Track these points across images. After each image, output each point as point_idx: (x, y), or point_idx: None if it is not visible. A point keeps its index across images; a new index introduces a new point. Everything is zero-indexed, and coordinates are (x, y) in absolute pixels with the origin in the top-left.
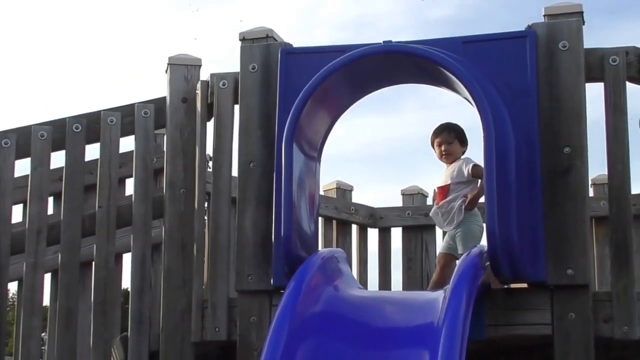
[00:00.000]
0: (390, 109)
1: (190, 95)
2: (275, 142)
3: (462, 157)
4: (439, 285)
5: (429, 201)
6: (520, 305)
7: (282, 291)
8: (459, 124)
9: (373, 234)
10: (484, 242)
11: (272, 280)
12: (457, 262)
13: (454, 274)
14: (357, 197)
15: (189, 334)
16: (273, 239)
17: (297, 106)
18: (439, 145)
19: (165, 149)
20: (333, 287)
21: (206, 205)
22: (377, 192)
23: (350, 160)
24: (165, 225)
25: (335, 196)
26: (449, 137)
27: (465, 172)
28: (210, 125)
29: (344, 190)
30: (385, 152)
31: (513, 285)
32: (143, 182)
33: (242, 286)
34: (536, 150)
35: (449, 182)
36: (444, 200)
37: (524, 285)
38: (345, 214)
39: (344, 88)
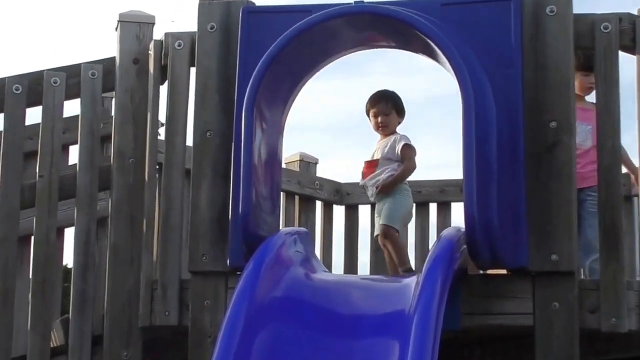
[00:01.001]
0: (359, 73)
1: (143, 56)
2: (234, 110)
3: (398, 130)
4: (392, 264)
5: None
6: (499, 292)
7: (239, 273)
8: (395, 91)
9: (339, 212)
10: (457, 224)
11: (228, 261)
12: (432, 245)
13: (427, 257)
14: (322, 171)
15: (136, 317)
16: (230, 216)
17: (260, 70)
18: (375, 116)
19: (113, 115)
20: (295, 269)
21: (158, 177)
22: (344, 165)
23: (315, 130)
24: (112, 198)
25: (298, 169)
26: (386, 108)
27: (397, 150)
28: (163, 90)
29: (307, 163)
30: (354, 121)
31: (491, 271)
32: (89, 150)
33: (195, 266)
34: (519, 124)
35: (378, 156)
36: (371, 175)
37: (504, 271)
38: (309, 190)
39: (311, 51)
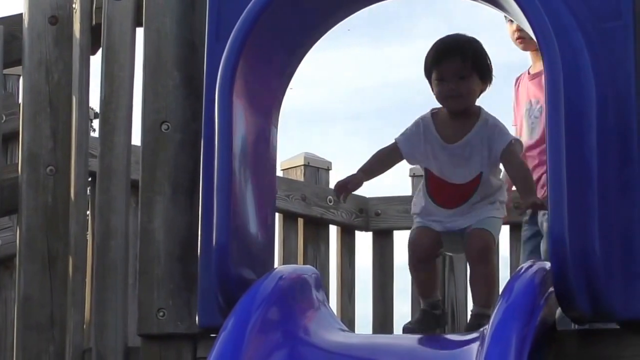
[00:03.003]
0: (390, 36)
1: (64, 13)
2: (203, 92)
3: (480, 107)
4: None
5: None
6: (605, 357)
7: (213, 336)
8: (476, 39)
9: (364, 240)
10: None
11: (197, 319)
12: (503, 288)
13: (496, 308)
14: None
15: None
16: (199, 251)
17: (240, 34)
18: (441, 80)
19: (20, 100)
20: (298, 329)
21: (90, 193)
22: None
23: (326, 121)
24: (20, 227)
25: (302, 178)
26: (462, 67)
27: (499, 148)
28: (96, 62)
29: (316, 170)
30: (382, 106)
31: (593, 326)
32: None
33: (148, 327)
34: (632, 107)
35: (476, 173)
36: (462, 205)
37: (612, 325)
38: (318, 208)
39: (311, 7)
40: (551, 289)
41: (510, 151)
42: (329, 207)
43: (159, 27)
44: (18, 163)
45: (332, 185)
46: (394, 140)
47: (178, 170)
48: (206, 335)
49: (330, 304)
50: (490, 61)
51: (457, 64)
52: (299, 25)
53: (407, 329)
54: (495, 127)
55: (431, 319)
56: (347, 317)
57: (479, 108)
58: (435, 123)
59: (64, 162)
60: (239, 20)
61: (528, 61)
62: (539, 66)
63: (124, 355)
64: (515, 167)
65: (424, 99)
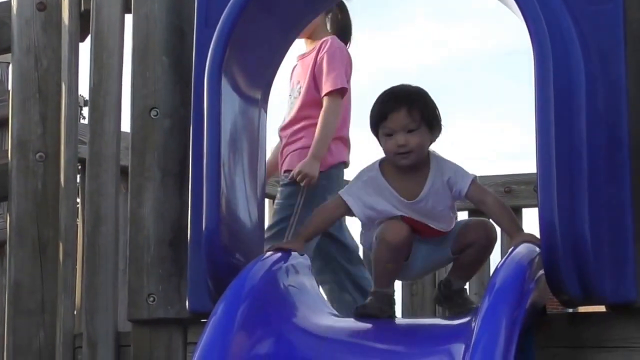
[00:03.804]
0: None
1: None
2: (192, 77)
3: (433, 154)
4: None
5: None
6: (595, 340)
7: (204, 321)
8: (421, 88)
9: (355, 226)
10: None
11: (187, 304)
12: (494, 271)
13: (487, 290)
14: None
15: None
16: (189, 236)
17: (229, 19)
18: (389, 136)
19: (10, 87)
20: (288, 314)
21: (79, 179)
22: (367, 156)
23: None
24: (10, 213)
25: None
26: (409, 120)
27: (460, 192)
28: (85, 49)
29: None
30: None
31: (583, 309)
32: None
33: (138, 313)
34: (621, 90)
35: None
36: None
37: (601, 308)
38: None
39: None
40: (541, 272)
41: (479, 189)
42: None
43: (147, 13)
44: (7, 150)
45: None
46: (338, 195)
47: (167, 156)
48: (196, 320)
49: (321, 290)
50: (438, 110)
51: (404, 117)
52: (288, 10)
53: (359, 312)
54: (450, 171)
55: (384, 300)
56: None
57: (428, 153)
58: (386, 178)
59: (53, 148)
60: (228, 6)
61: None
62: (307, 47)
63: (115, 340)
64: (493, 205)
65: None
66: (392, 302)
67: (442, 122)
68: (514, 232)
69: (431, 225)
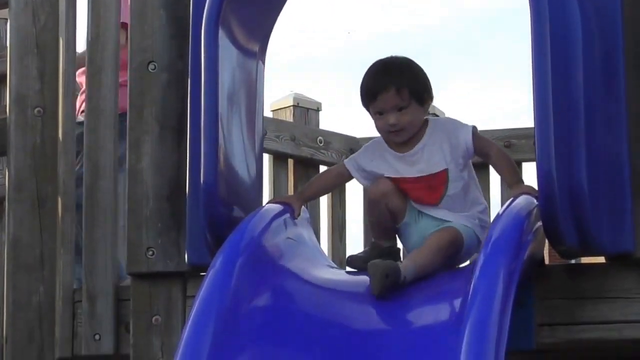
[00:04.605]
0: None
1: None
2: (190, 30)
3: (430, 118)
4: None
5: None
6: (594, 291)
7: (202, 274)
8: (409, 59)
9: (355, 181)
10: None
11: (186, 257)
12: (492, 223)
13: (484, 241)
14: (327, 121)
15: (51, 345)
16: (187, 190)
17: None
18: (379, 115)
19: (8, 43)
20: (286, 266)
21: (77, 134)
22: (362, 111)
23: (317, 61)
24: (9, 169)
25: (291, 119)
26: (398, 98)
27: (465, 146)
28: (82, 3)
29: (305, 110)
30: (376, 47)
31: (581, 260)
32: None
33: (137, 266)
34: (618, 42)
35: (442, 167)
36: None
37: (600, 259)
38: (308, 149)
39: None
40: (539, 223)
41: (481, 138)
42: (319, 148)
43: None
44: (6, 105)
45: (322, 126)
46: (342, 163)
47: (165, 110)
48: (195, 273)
49: (322, 246)
50: (428, 82)
51: (392, 96)
52: None
53: (352, 259)
54: (448, 122)
55: (383, 252)
56: (338, 257)
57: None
58: (387, 142)
59: (51, 103)
60: None
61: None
62: None
63: (114, 294)
64: (497, 156)
65: (414, 50)
66: (383, 254)
67: (433, 93)
68: (513, 183)
69: (413, 176)
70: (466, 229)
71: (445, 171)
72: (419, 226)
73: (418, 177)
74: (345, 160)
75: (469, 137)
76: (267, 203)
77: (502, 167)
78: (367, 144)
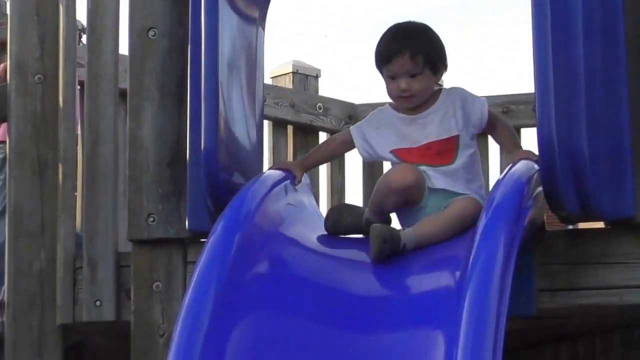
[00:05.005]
0: None
1: None
2: None
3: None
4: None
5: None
6: (595, 257)
7: (203, 240)
8: (426, 25)
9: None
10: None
11: (187, 223)
12: (492, 189)
13: (484, 207)
14: (327, 88)
15: (52, 311)
16: (188, 156)
17: None
18: (392, 79)
19: (8, 10)
20: (287, 232)
21: (79, 101)
22: (361, 78)
23: (316, 27)
24: (10, 135)
25: (291, 86)
26: (413, 65)
27: (479, 119)
28: None
29: (305, 77)
30: (377, 14)
31: (581, 226)
32: None
33: (138, 233)
34: (618, 4)
35: (454, 133)
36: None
37: (600, 224)
38: (308, 115)
39: None
40: (540, 188)
41: (492, 112)
42: (318, 114)
43: None
44: (6, 71)
45: (322, 92)
46: (347, 130)
47: (166, 76)
48: (196, 239)
49: (321, 212)
50: (443, 49)
51: (406, 62)
52: None
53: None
54: (463, 91)
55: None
56: None
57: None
58: (395, 108)
59: (52, 69)
60: None
61: None
62: None
63: (115, 260)
64: (503, 126)
65: (417, 15)
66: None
67: (447, 62)
68: (512, 149)
69: (424, 142)
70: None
71: (457, 137)
72: (429, 205)
73: (427, 144)
74: (352, 128)
75: (485, 108)
76: (269, 169)
77: (505, 136)
78: (374, 110)
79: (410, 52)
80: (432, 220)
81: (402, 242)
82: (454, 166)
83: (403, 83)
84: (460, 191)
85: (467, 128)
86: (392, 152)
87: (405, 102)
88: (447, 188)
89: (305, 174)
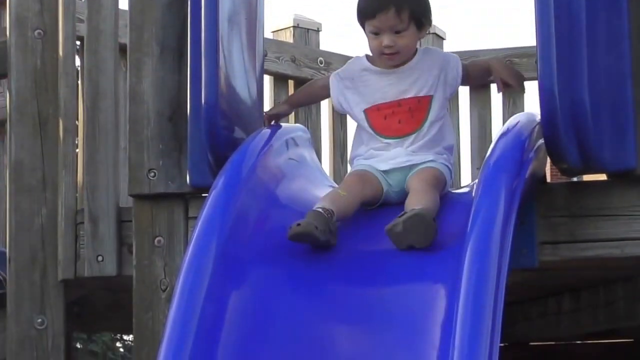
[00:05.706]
0: None
1: None
2: None
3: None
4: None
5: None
6: (596, 209)
7: (204, 195)
8: None
9: None
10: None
11: (188, 178)
12: (493, 142)
13: (485, 160)
14: (328, 42)
15: (54, 266)
16: (189, 111)
17: None
18: (375, 35)
19: None
20: (289, 187)
21: (79, 56)
22: (362, 32)
23: None
24: (10, 90)
25: (292, 40)
26: (399, 21)
27: (457, 71)
28: None
29: (306, 31)
30: None
31: (583, 178)
32: None
33: (139, 188)
34: None
35: (428, 92)
36: (414, 134)
37: (602, 176)
38: (309, 70)
39: None
40: (541, 141)
41: (467, 63)
42: (319, 69)
43: None
44: (5, 27)
45: (322, 46)
46: (329, 75)
47: (166, 31)
48: (197, 194)
49: (323, 166)
50: (428, 3)
51: (391, 17)
52: None
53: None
54: (438, 51)
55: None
56: (339, 178)
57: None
58: (370, 60)
59: (51, 24)
60: None
61: None
62: None
63: (116, 215)
64: (470, 65)
65: None
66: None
67: (432, 19)
68: (486, 64)
69: (396, 99)
70: (444, 168)
71: (430, 97)
72: (394, 184)
73: (398, 101)
74: (331, 77)
75: (459, 66)
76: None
77: (475, 67)
78: (350, 60)
79: (396, 7)
80: (419, 198)
81: None
82: (422, 131)
83: (387, 39)
84: (419, 161)
85: (443, 88)
86: (364, 111)
87: (389, 60)
88: (407, 164)
89: (306, 128)
